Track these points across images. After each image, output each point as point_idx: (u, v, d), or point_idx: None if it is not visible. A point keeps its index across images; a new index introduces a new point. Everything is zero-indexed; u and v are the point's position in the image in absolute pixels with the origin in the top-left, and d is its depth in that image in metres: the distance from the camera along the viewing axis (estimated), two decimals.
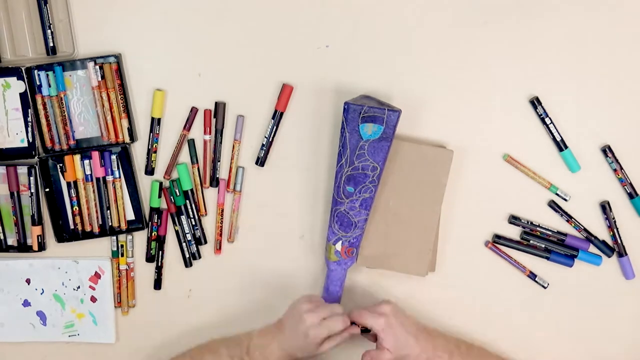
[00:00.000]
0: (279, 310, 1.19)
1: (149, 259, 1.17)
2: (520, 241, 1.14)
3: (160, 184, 1.14)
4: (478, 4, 1.07)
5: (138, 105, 1.13)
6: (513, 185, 1.12)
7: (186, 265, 1.17)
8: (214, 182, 1.14)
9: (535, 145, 1.11)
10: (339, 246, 1.09)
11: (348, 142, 1.03)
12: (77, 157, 1.12)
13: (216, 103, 1.11)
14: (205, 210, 1.16)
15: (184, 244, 1.16)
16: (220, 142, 1.12)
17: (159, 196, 1.15)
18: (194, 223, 1.16)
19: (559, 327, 1.17)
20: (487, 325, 1.17)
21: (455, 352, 1.07)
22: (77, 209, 1.14)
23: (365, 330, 1.07)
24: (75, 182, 1.13)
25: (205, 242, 1.17)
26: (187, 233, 1.16)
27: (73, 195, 1.13)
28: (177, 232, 1.16)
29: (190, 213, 1.15)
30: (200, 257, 1.18)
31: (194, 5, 1.09)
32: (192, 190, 1.15)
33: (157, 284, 1.19)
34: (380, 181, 1.06)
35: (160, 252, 1.17)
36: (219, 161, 1.13)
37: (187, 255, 1.17)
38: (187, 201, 1.15)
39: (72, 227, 1.15)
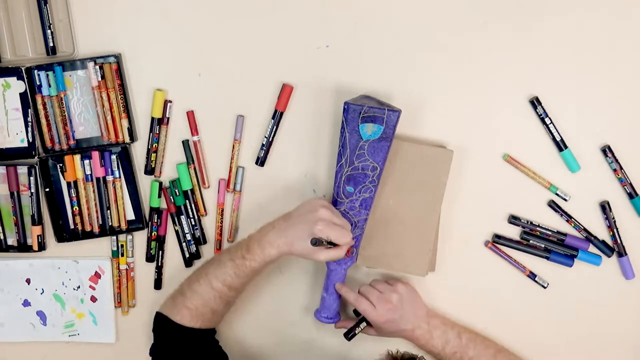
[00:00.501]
0: (278, 310, 1.19)
1: (149, 258, 1.17)
2: (520, 241, 1.14)
3: (160, 183, 1.14)
4: (478, 4, 1.07)
5: (138, 105, 1.13)
6: (513, 185, 1.12)
7: (186, 265, 1.17)
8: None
9: (535, 145, 1.11)
10: None
11: (348, 142, 1.03)
12: (77, 157, 1.12)
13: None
14: (205, 210, 1.16)
15: (183, 244, 1.16)
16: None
17: (159, 196, 1.15)
18: (193, 223, 1.16)
19: (559, 327, 1.17)
20: (487, 325, 1.17)
21: (454, 342, 1.09)
22: (77, 208, 1.14)
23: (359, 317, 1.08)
24: (75, 182, 1.13)
25: (205, 242, 1.17)
26: (187, 233, 1.16)
27: (73, 195, 1.13)
28: (176, 232, 1.16)
29: (190, 213, 1.15)
30: (201, 256, 1.18)
31: (194, 5, 1.09)
32: (191, 190, 1.15)
33: (158, 284, 1.19)
34: (380, 181, 1.06)
35: (161, 252, 1.17)
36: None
37: (187, 255, 1.17)
38: (187, 201, 1.15)
39: (72, 227, 1.15)
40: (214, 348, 1.09)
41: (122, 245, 1.17)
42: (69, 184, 1.13)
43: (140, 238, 1.17)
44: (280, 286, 1.18)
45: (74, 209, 1.14)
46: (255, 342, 1.21)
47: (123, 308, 1.19)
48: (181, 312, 1.05)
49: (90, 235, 1.16)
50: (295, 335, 1.20)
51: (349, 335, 1.09)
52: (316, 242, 0.97)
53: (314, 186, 1.14)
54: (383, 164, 1.04)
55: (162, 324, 1.07)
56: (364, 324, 1.08)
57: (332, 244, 1.00)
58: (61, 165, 1.13)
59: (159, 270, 1.18)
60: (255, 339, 1.21)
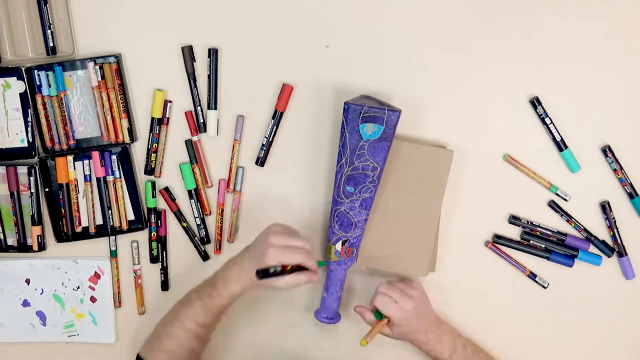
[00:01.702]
0: (278, 310, 1.19)
1: (153, 259, 1.17)
2: (520, 241, 1.14)
3: (153, 183, 1.14)
4: (478, 4, 1.07)
5: (138, 105, 1.13)
6: (513, 185, 1.12)
7: (204, 260, 1.17)
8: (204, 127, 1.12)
9: (535, 145, 1.11)
10: (339, 246, 1.09)
11: (348, 142, 1.03)
12: (70, 158, 1.12)
13: (182, 48, 1.10)
14: (210, 210, 1.16)
15: (195, 238, 1.17)
16: (196, 86, 1.11)
17: (153, 196, 1.14)
18: (198, 222, 1.16)
19: (559, 327, 1.17)
20: (487, 325, 1.17)
21: (460, 352, 1.08)
22: (65, 211, 1.14)
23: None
24: (67, 185, 1.13)
25: (209, 242, 1.17)
26: (199, 225, 1.16)
27: (61, 197, 1.13)
28: (185, 228, 1.16)
29: (195, 212, 1.15)
30: (208, 257, 1.18)
31: (193, 5, 1.09)
32: (195, 189, 1.15)
33: (164, 285, 1.19)
34: (380, 181, 1.06)
35: (164, 252, 1.17)
36: (200, 106, 1.12)
37: (202, 249, 1.17)
38: (192, 200, 1.15)
39: (69, 227, 1.15)
40: None
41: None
42: (60, 185, 1.13)
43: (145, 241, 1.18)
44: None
45: (62, 211, 1.14)
46: (255, 342, 1.21)
47: (139, 309, 1.20)
48: (157, 356, 1.06)
49: (90, 235, 1.16)
50: (295, 335, 1.20)
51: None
52: (262, 273, 0.95)
53: (314, 186, 1.14)
54: (383, 164, 1.04)
55: None
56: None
57: (283, 271, 0.97)
58: None
59: (165, 271, 1.18)
60: (255, 339, 1.21)
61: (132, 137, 1.12)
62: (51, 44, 1.08)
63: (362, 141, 1.02)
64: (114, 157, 1.13)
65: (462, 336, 1.12)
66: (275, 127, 1.12)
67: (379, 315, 1.07)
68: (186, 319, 1.05)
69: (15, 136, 1.12)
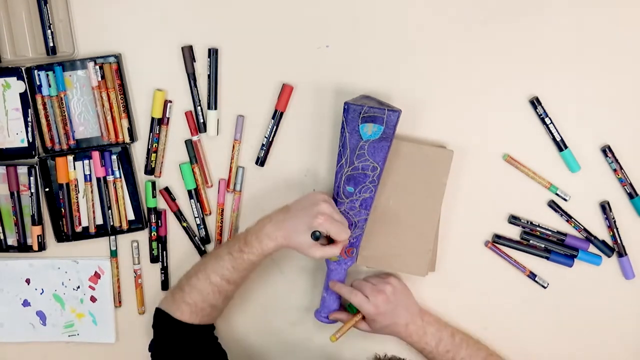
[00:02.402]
0: (278, 310, 1.19)
1: (153, 259, 1.17)
2: (520, 241, 1.14)
3: (153, 183, 1.14)
4: (478, 3, 1.07)
5: (138, 105, 1.13)
6: (513, 185, 1.12)
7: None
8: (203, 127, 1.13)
9: (535, 145, 1.11)
10: None
11: (348, 142, 1.03)
12: (70, 157, 1.12)
13: (182, 48, 1.10)
14: (210, 210, 1.16)
15: (195, 238, 1.17)
16: (196, 86, 1.11)
17: (153, 196, 1.15)
18: (198, 222, 1.16)
19: (558, 327, 1.17)
20: (487, 325, 1.17)
21: (447, 341, 1.09)
22: (66, 211, 1.14)
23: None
24: (67, 185, 1.13)
25: (209, 242, 1.17)
26: (199, 225, 1.16)
27: (61, 197, 1.13)
28: (185, 228, 1.16)
29: (195, 212, 1.15)
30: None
31: (193, 5, 1.09)
32: (195, 189, 1.15)
33: (165, 285, 1.19)
34: (380, 181, 1.06)
35: (164, 252, 1.17)
36: (200, 106, 1.12)
37: (203, 249, 1.17)
38: (192, 200, 1.15)
39: (71, 227, 1.15)
40: (214, 344, 1.09)
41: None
42: (60, 185, 1.13)
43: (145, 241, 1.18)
44: (281, 286, 1.18)
45: (62, 211, 1.14)
46: (255, 342, 1.21)
47: (139, 309, 1.20)
48: (181, 308, 1.05)
49: (90, 235, 1.16)
50: (295, 335, 1.20)
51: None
52: (317, 236, 0.96)
53: (314, 186, 1.14)
54: (383, 164, 1.04)
55: (161, 320, 1.07)
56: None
57: (329, 241, 1.00)
58: None
59: (165, 271, 1.18)
60: (255, 339, 1.21)
61: (132, 137, 1.12)
62: (51, 44, 1.08)
63: (362, 141, 1.02)
64: (114, 157, 1.13)
65: (449, 326, 1.12)
66: (275, 127, 1.12)
67: (352, 309, 1.08)
68: (213, 272, 1.04)
69: (16, 136, 1.12)
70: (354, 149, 1.03)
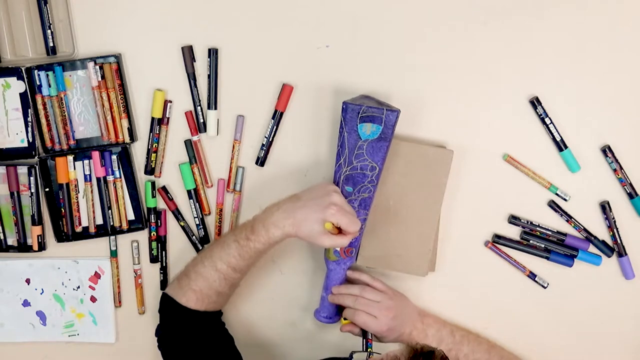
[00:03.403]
0: (278, 310, 1.19)
1: (153, 259, 1.17)
2: (520, 241, 1.14)
3: (153, 183, 1.14)
4: (478, 3, 1.07)
5: (138, 105, 1.13)
6: (513, 185, 1.12)
7: None
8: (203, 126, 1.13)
9: (535, 145, 1.11)
10: None
11: (346, 141, 1.03)
12: (70, 157, 1.12)
13: (182, 48, 1.10)
14: (209, 210, 1.16)
15: (193, 237, 1.17)
16: (196, 86, 1.11)
17: (153, 196, 1.15)
18: (197, 222, 1.16)
19: (558, 327, 1.17)
20: (487, 325, 1.17)
21: (448, 340, 1.09)
22: (66, 211, 1.14)
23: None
24: (67, 185, 1.13)
25: (208, 242, 1.17)
26: (198, 225, 1.16)
27: (61, 197, 1.13)
28: (182, 227, 1.16)
29: (194, 212, 1.15)
30: None
31: (193, 5, 1.09)
32: (194, 189, 1.15)
33: (164, 285, 1.19)
34: (379, 181, 1.06)
35: (164, 252, 1.17)
36: (200, 106, 1.12)
37: (200, 248, 1.17)
38: (191, 200, 1.15)
39: (71, 227, 1.15)
40: (220, 331, 1.09)
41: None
42: (60, 185, 1.13)
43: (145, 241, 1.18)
44: (280, 286, 1.18)
45: (62, 211, 1.14)
46: (256, 342, 1.21)
47: (139, 308, 1.20)
48: (187, 295, 1.05)
49: (90, 235, 1.16)
50: (295, 334, 1.20)
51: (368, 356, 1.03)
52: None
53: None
54: (382, 164, 1.04)
55: (168, 306, 1.07)
56: (370, 337, 1.07)
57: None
58: None
59: (164, 270, 1.18)
60: (255, 338, 1.21)
61: (132, 137, 1.12)
62: (51, 44, 1.08)
63: (360, 141, 1.02)
64: (114, 157, 1.13)
65: (448, 324, 1.12)
66: (275, 127, 1.12)
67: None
68: (219, 259, 1.04)
69: (15, 136, 1.12)
70: (352, 148, 1.03)
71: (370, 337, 1.07)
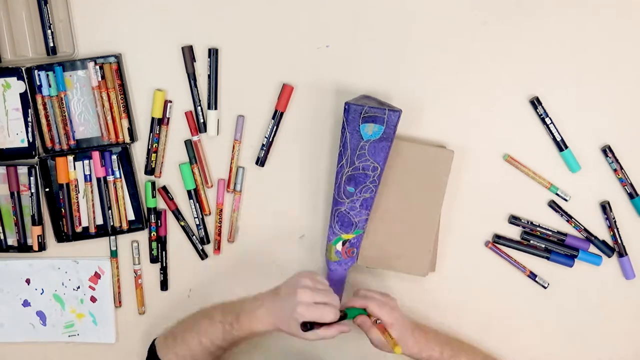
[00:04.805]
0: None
1: (153, 260, 1.17)
2: (520, 241, 1.14)
3: (153, 183, 1.14)
4: (478, 4, 1.07)
5: (138, 105, 1.13)
6: (513, 185, 1.12)
7: (202, 258, 1.17)
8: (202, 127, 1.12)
9: (535, 145, 1.11)
10: (339, 246, 1.09)
11: (349, 142, 1.03)
12: (70, 157, 1.12)
13: (182, 48, 1.10)
14: (209, 210, 1.16)
15: (193, 237, 1.17)
16: (196, 86, 1.11)
17: (153, 196, 1.14)
18: (197, 222, 1.16)
19: (559, 327, 1.17)
20: (487, 325, 1.17)
21: (447, 348, 1.07)
22: (66, 211, 1.14)
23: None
24: (67, 185, 1.13)
25: (209, 242, 1.17)
26: (198, 225, 1.16)
27: (61, 197, 1.13)
28: (182, 227, 1.16)
29: (194, 212, 1.15)
30: (207, 255, 1.18)
31: (193, 5, 1.09)
32: (194, 189, 1.15)
33: (164, 285, 1.19)
34: (380, 181, 1.06)
35: (164, 252, 1.17)
36: (200, 106, 1.12)
37: (200, 248, 1.17)
38: (191, 200, 1.15)
39: (71, 227, 1.15)
40: None
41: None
42: (60, 185, 1.13)
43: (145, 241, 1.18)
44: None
45: (62, 211, 1.14)
46: (258, 341, 1.20)
47: (139, 309, 1.20)
48: (168, 356, 1.06)
49: (90, 235, 1.16)
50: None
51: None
52: (308, 328, 0.94)
53: (315, 186, 1.14)
54: (384, 164, 1.04)
55: (152, 358, 1.08)
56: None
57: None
58: None
59: (164, 271, 1.18)
60: (258, 338, 1.20)
61: (132, 137, 1.12)
62: (51, 44, 1.08)
63: (362, 141, 1.02)
64: (114, 157, 1.13)
65: (437, 344, 1.07)
66: (275, 127, 1.12)
67: (351, 314, 1.02)
68: (205, 334, 1.04)
69: (16, 136, 1.12)
70: (354, 149, 1.03)
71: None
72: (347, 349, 1.18)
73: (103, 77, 1.09)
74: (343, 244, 1.09)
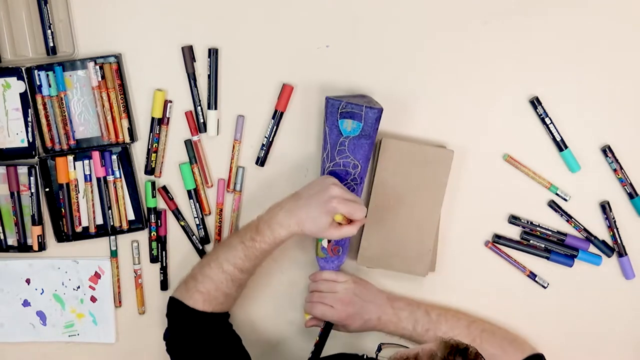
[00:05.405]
0: (279, 310, 1.19)
1: (153, 259, 1.17)
2: (520, 241, 1.14)
3: (153, 183, 1.14)
4: (478, 3, 1.07)
5: (138, 105, 1.13)
6: (513, 185, 1.12)
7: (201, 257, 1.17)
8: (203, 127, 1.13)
9: (535, 145, 1.11)
10: (325, 243, 1.09)
11: (328, 137, 1.03)
12: (70, 157, 1.12)
13: (182, 48, 1.10)
14: (209, 210, 1.16)
15: (193, 237, 1.17)
16: (196, 86, 1.11)
17: (153, 196, 1.15)
18: (197, 222, 1.16)
19: (559, 327, 1.17)
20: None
21: (423, 321, 1.09)
22: (66, 211, 1.14)
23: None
24: (67, 185, 1.13)
25: (209, 242, 1.17)
26: (198, 225, 1.16)
27: (61, 197, 1.13)
28: (182, 227, 1.16)
29: (194, 212, 1.15)
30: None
31: (193, 5, 1.09)
32: (194, 189, 1.15)
33: (164, 285, 1.19)
34: (364, 181, 1.06)
35: (164, 252, 1.17)
36: (200, 106, 1.12)
37: (200, 248, 1.17)
38: (191, 200, 1.15)
39: (71, 227, 1.15)
40: (228, 331, 1.09)
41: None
42: (60, 185, 1.13)
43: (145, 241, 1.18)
44: (280, 286, 1.18)
45: (62, 211, 1.14)
46: (255, 340, 1.21)
47: (139, 309, 1.20)
48: (194, 297, 1.05)
49: (90, 235, 1.16)
50: (293, 333, 1.20)
51: (319, 346, 1.06)
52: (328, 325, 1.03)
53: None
54: (365, 163, 1.04)
55: (175, 309, 1.07)
56: (329, 329, 1.08)
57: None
58: None
59: (164, 270, 1.18)
60: (255, 337, 1.21)
61: (132, 137, 1.12)
62: (51, 44, 1.08)
63: (342, 137, 1.03)
64: (114, 157, 1.13)
65: (422, 305, 1.12)
66: (275, 127, 1.12)
67: None
68: (225, 261, 1.04)
69: (16, 136, 1.12)
70: (334, 144, 1.03)
71: (322, 327, 1.08)
72: None
73: (103, 77, 1.09)
74: (328, 241, 1.09)
